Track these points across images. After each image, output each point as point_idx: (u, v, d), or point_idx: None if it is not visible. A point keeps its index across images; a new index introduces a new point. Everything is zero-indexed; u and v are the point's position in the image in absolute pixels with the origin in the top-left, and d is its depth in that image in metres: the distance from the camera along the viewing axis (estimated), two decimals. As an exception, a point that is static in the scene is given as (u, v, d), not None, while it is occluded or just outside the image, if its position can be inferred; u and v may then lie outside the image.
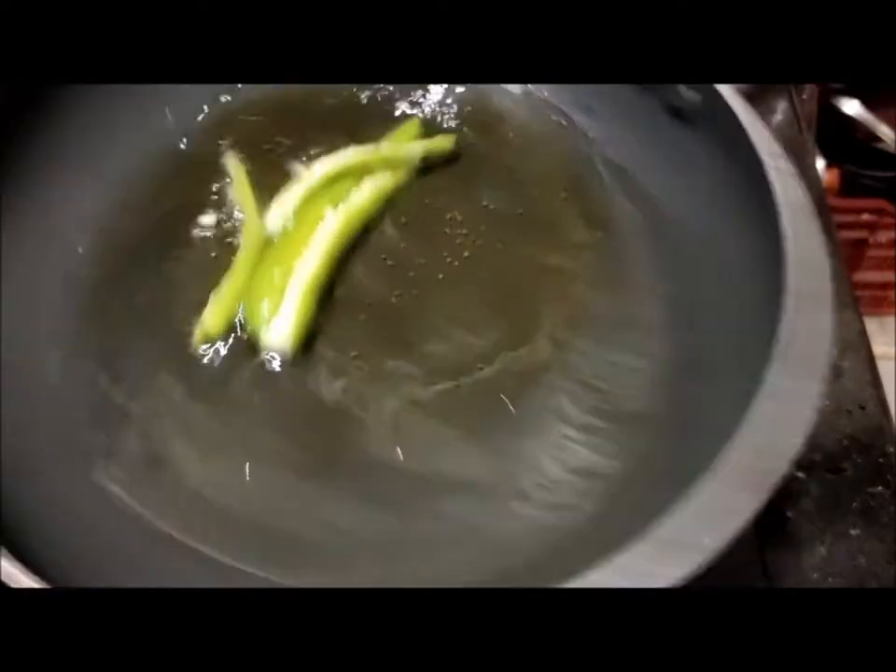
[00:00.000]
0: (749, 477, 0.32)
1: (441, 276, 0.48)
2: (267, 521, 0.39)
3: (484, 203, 0.51)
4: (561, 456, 0.41)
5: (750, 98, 0.46)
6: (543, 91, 0.55)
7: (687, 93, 0.46)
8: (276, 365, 0.44)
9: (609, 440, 0.41)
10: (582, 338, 0.45)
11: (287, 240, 0.47)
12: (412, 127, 0.53)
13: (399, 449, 0.41)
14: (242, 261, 0.46)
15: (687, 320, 0.45)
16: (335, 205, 0.48)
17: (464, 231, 0.49)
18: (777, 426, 0.33)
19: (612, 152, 0.52)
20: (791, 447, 0.33)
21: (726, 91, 0.44)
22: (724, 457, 0.33)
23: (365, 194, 0.49)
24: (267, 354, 0.44)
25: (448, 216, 0.50)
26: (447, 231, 0.49)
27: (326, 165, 0.49)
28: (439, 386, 0.43)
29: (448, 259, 0.48)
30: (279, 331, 0.43)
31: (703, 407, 0.40)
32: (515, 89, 0.55)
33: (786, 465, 0.32)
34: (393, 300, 0.46)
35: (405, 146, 0.51)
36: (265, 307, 0.44)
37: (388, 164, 0.50)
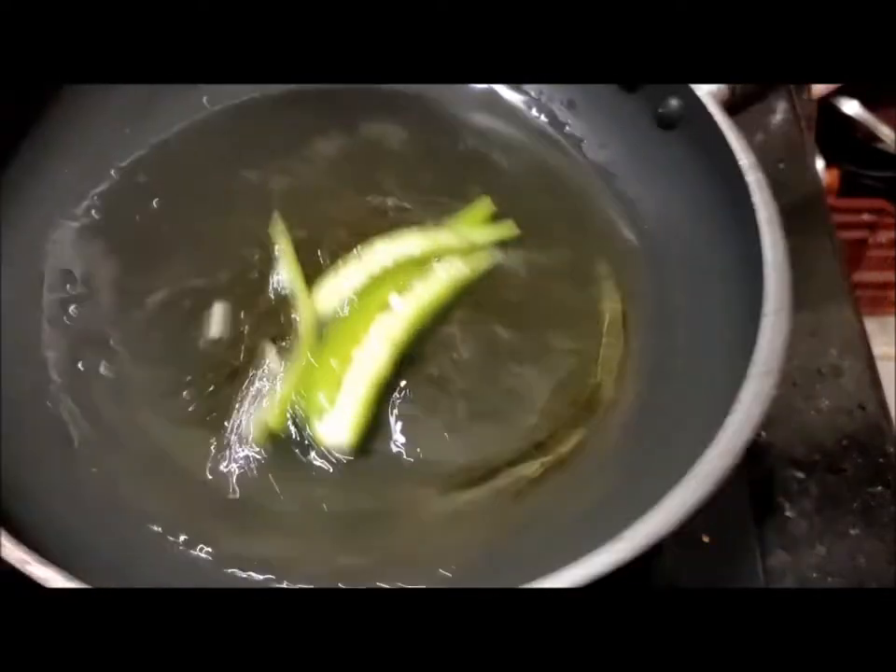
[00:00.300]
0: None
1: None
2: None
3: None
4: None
5: (750, 99, 0.46)
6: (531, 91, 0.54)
7: (671, 101, 0.47)
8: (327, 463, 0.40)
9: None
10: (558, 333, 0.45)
11: (344, 326, 0.43)
12: (483, 206, 0.48)
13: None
14: (302, 351, 0.42)
15: (666, 320, 0.45)
16: (400, 292, 0.43)
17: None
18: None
19: (597, 154, 0.52)
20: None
21: (706, 99, 0.44)
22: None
23: (435, 283, 0.44)
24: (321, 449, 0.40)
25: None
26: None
27: (389, 251, 0.45)
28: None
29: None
30: (336, 427, 0.40)
31: (679, 402, 0.41)
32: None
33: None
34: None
35: (473, 233, 0.47)
36: (322, 399, 0.40)
37: (459, 251, 0.46)
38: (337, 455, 0.40)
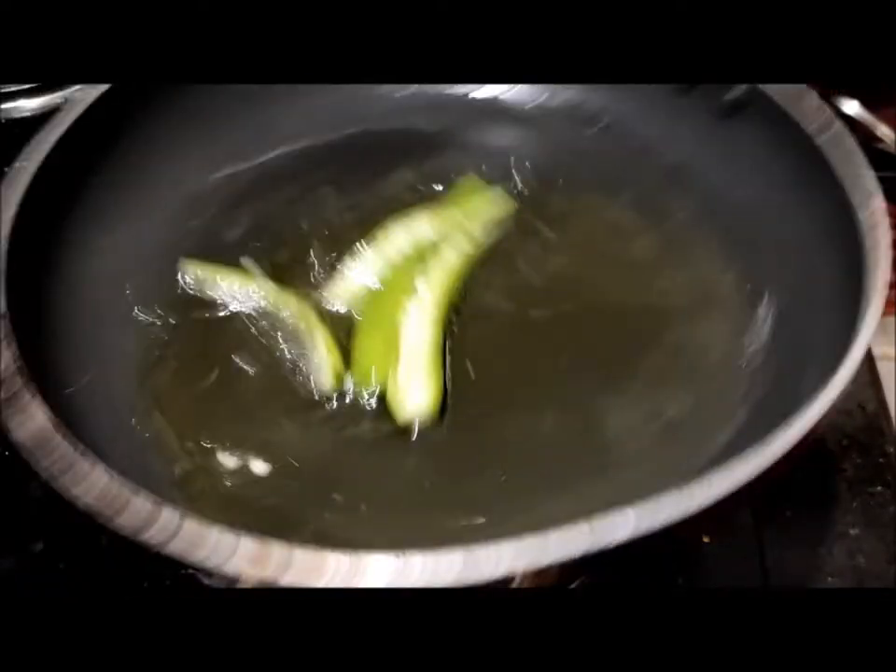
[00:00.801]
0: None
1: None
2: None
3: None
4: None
5: None
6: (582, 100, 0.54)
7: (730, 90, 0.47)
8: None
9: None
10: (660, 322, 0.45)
11: (378, 307, 0.45)
12: (470, 182, 0.51)
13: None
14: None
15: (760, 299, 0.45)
16: (424, 272, 0.46)
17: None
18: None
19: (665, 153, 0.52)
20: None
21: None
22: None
23: (452, 259, 0.47)
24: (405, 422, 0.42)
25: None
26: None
27: (404, 235, 0.48)
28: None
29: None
30: (418, 397, 0.42)
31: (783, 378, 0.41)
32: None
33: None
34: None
35: (478, 211, 0.49)
36: (402, 374, 0.42)
37: (464, 229, 0.48)
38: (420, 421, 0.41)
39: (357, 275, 0.47)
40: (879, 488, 0.48)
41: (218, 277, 0.46)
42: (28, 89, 0.61)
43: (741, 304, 0.45)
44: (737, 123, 0.48)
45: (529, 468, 0.40)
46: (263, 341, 0.45)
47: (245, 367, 0.44)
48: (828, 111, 0.43)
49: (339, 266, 0.47)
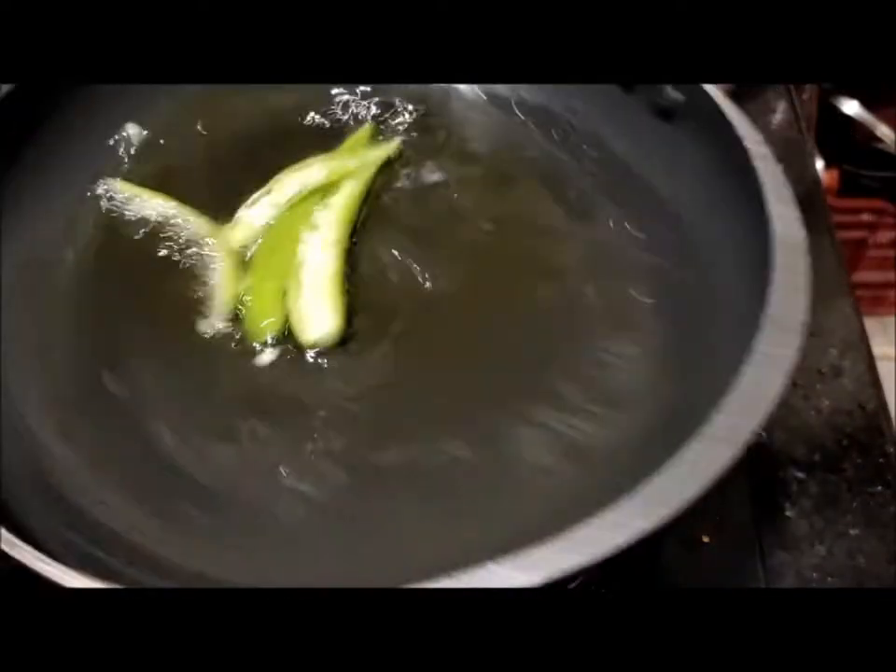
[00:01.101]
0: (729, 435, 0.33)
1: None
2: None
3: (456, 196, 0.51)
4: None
5: (750, 98, 0.46)
6: (522, 92, 0.55)
7: (672, 93, 0.47)
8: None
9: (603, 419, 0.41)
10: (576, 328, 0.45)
11: (274, 246, 0.47)
12: (365, 132, 0.53)
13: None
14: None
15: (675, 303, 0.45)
16: (318, 209, 0.48)
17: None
18: (755, 389, 0.34)
19: (596, 149, 0.52)
20: (764, 408, 0.34)
21: (709, 87, 0.45)
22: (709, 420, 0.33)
23: (342, 202, 0.49)
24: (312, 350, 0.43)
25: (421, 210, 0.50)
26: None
27: (295, 180, 0.49)
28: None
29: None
30: (321, 323, 0.43)
31: (694, 379, 0.41)
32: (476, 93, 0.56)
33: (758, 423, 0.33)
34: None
35: (368, 154, 0.51)
36: (300, 303, 0.44)
37: (352, 174, 0.50)
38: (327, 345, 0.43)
39: (254, 218, 0.48)
40: (879, 488, 0.48)
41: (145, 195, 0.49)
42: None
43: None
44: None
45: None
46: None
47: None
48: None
49: (237, 212, 0.48)
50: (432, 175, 0.52)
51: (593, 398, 0.42)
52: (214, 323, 0.44)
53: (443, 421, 0.41)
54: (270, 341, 0.44)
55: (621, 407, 0.42)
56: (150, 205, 0.49)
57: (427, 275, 0.47)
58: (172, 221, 0.48)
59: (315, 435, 0.41)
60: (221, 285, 0.46)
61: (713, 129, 0.45)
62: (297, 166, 0.50)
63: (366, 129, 0.53)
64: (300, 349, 0.44)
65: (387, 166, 0.52)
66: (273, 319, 0.44)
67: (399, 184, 0.51)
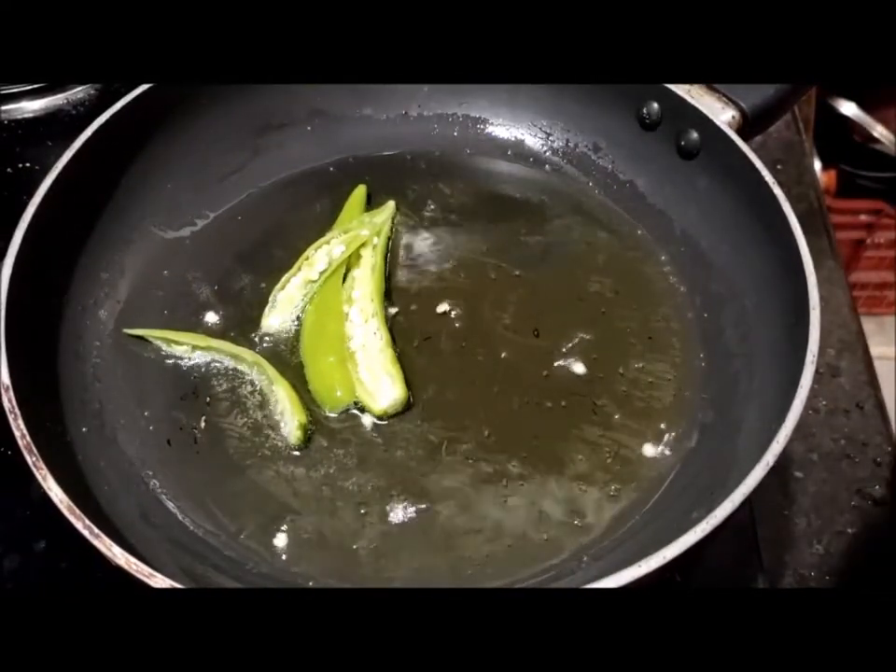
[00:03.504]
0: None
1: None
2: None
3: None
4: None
5: (761, 126, 0.47)
6: (549, 133, 0.56)
7: (690, 133, 0.48)
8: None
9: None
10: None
11: (319, 328, 0.48)
12: (360, 192, 0.54)
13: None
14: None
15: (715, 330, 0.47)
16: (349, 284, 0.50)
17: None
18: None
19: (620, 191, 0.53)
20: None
21: (724, 127, 0.47)
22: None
23: (368, 273, 0.50)
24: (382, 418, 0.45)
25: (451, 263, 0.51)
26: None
27: (323, 258, 0.50)
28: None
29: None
30: (388, 392, 0.45)
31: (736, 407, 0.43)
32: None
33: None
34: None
35: (373, 219, 0.53)
36: (362, 377, 0.45)
37: (367, 242, 0.52)
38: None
39: (289, 297, 0.49)
40: (878, 488, 0.48)
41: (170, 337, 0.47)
42: (30, 90, 0.61)
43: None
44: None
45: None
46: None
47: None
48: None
49: (271, 297, 0.49)
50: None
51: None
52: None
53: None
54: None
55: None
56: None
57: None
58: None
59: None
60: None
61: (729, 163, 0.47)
62: (318, 242, 0.51)
63: (361, 189, 0.54)
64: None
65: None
66: (343, 390, 0.45)
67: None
